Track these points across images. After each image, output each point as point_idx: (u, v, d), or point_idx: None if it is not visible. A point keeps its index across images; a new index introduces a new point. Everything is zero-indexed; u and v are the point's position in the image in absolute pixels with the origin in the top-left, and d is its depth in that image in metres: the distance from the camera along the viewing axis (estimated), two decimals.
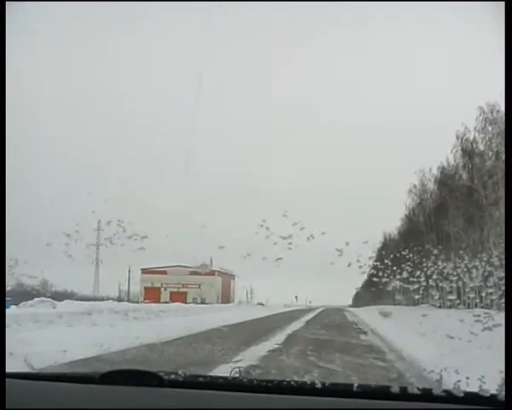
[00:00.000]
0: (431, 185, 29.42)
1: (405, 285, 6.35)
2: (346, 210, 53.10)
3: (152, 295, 67.58)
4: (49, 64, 73.25)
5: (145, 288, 74.07)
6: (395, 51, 79.05)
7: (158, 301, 57.55)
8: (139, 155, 59.33)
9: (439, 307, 16.08)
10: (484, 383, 3.20)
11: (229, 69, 71.52)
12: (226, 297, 74.36)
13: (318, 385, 1.85)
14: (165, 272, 73.85)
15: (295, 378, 5.69)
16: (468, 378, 3.68)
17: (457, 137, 24.52)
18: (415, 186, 31.01)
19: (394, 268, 6.16)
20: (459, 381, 3.38)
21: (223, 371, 6.77)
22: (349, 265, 5.76)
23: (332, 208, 52.11)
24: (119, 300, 52.23)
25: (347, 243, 5.94)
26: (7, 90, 3.41)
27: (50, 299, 21.57)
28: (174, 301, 52.38)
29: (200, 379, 2.01)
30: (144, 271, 72.98)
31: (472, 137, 24.05)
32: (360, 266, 5.69)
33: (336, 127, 68.39)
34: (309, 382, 1.90)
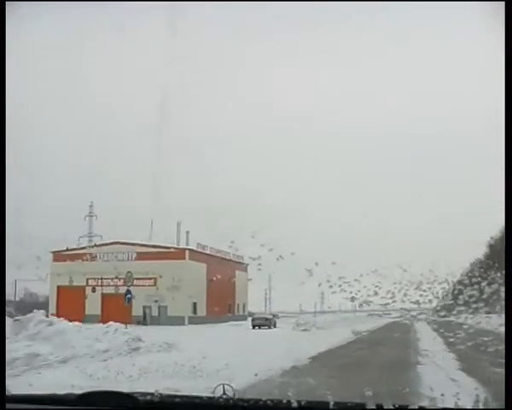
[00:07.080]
0: None
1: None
2: (316, 230, 51.81)
3: (70, 302, 35.96)
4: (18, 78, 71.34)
5: (59, 288, 39.58)
6: (395, 53, 77.96)
7: (80, 315, 28.97)
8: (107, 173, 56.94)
9: None
10: (459, 399, 3.25)
11: (207, 84, 69.84)
12: (219, 305, 38.43)
13: (294, 404, 1.85)
14: (93, 257, 36.75)
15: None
16: (442, 395, 3.74)
17: None
18: None
19: None
20: (435, 397, 3.41)
21: None
22: (319, 285, 5.79)
23: (301, 228, 51.02)
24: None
25: (316, 264, 5.97)
26: None
27: None
28: (109, 319, 18.36)
29: (177, 399, 1.97)
30: (57, 255, 38.72)
31: None
32: (330, 286, 5.72)
33: (313, 142, 66.27)
34: (285, 401, 1.88)
